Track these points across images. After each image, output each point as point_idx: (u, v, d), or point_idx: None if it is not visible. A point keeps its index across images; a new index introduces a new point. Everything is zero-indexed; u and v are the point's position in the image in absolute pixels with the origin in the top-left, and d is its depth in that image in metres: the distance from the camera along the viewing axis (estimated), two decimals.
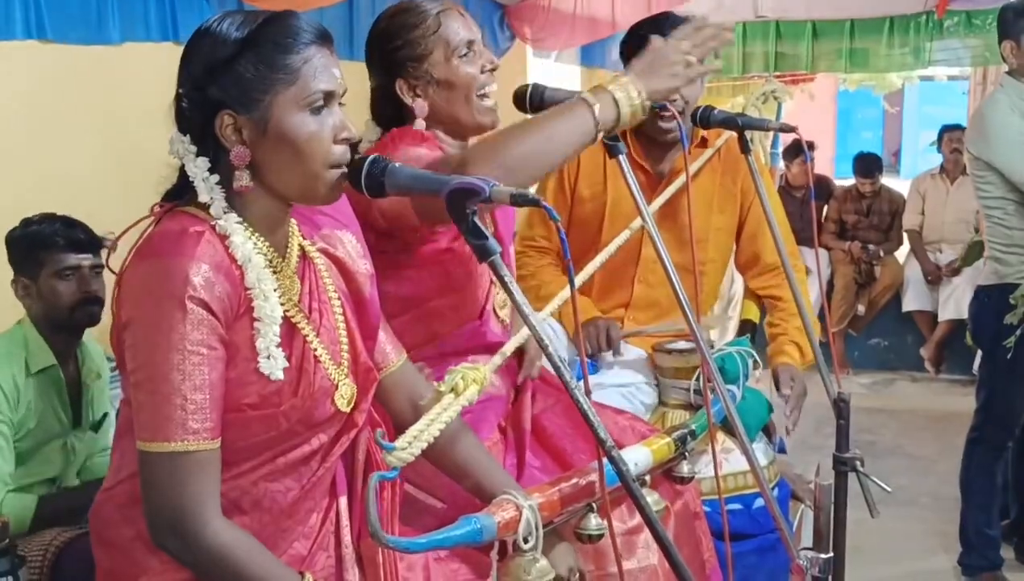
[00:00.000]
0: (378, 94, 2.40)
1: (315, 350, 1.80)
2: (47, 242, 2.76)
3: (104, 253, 2.72)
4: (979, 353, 5.99)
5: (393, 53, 2.33)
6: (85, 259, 2.79)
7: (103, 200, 3.32)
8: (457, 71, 2.31)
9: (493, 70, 2.35)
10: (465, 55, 2.31)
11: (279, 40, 1.71)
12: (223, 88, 1.69)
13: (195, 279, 1.63)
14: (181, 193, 1.77)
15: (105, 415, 2.96)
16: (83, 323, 2.83)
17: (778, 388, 3.16)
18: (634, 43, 3.06)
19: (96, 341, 2.96)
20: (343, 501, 1.92)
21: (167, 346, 1.62)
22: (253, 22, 1.72)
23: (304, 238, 1.89)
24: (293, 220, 1.86)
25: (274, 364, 1.72)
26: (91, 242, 2.80)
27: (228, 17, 1.74)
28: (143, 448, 1.65)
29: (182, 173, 1.76)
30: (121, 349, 1.71)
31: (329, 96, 1.73)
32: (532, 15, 5.92)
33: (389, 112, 2.37)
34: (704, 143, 3.15)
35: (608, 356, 3.09)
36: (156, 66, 3.57)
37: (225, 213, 1.71)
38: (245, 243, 1.71)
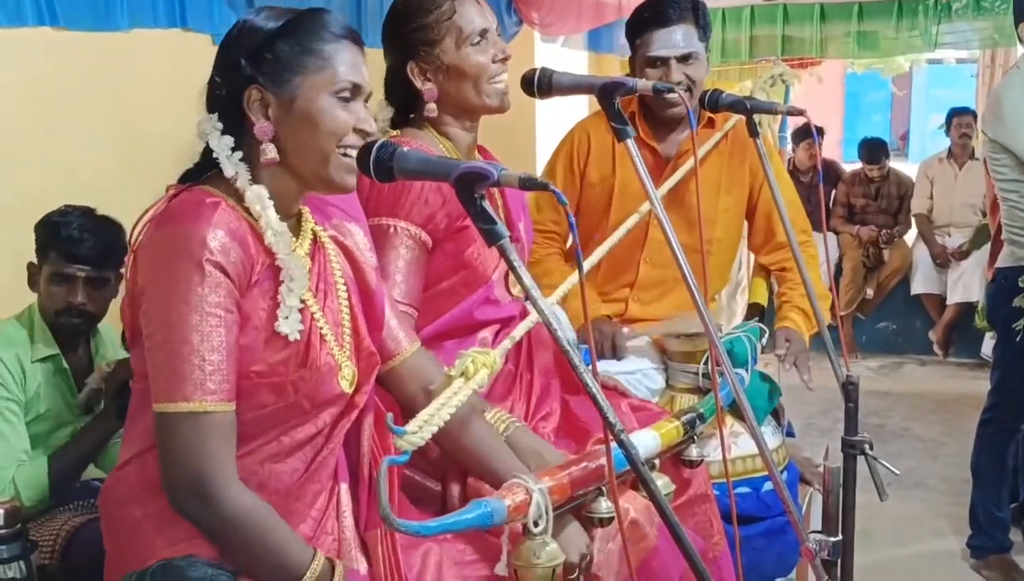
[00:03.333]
0: (391, 75, 2.42)
1: (321, 329, 1.84)
2: (55, 242, 2.73)
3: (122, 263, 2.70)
4: (987, 336, 6.00)
5: (406, 35, 2.34)
6: (81, 270, 2.71)
7: (111, 185, 3.32)
8: (468, 59, 2.32)
9: (505, 60, 2.36)
10: (477, 43, 2.32)
11: (315, 28, 1.80)
12: (257, 63, 1.77)
13: (212, 243, 1.67)
14: (199, 174, 1.83)
15: None
16: (66, 329, 2.78)
17: (775, 350, 3.15)
18: (636, 25, 3.08)
19: (112, 328, 2.95)
20: (344, 487, 1.94)
21: (186, 307, 1.66)
22: (291, 13, 1.81)
23: (317, 224, 1.94)
24: (306, 207, 1.93)
25: (292, 325, 1.76)
26: (98, 256, 2.73)
27: (266, 9, 1.83)
28: (161, 410, 1.68)
29: (204, 154, 1.82)
30: (136, 316, 1.74)
31: (356, 89, 1.81)
32: (539, 0, 5.91)
33: (401, 93, 2.40)
34: (711, 124, 3.15)
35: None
36: (164, 53, 3.59)
37: (251, 184, 1.77)
38: (268, 209, 1.77)
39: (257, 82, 1.77)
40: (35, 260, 2.78)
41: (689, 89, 2.97)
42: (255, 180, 1.79)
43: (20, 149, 3.34)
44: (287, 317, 1.76)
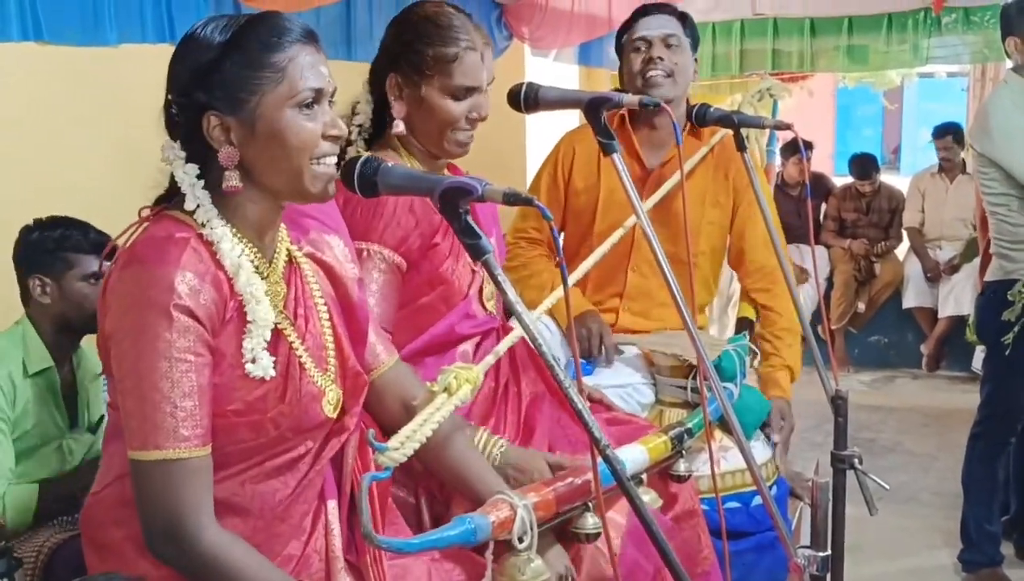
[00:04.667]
0: (378, 68, 2.37)
1: (300, 357, 1.80)
2: (77, 245, 2.79)
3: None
4: (978, 350, 5.99)
5: (403, 50, 2.31)
6: (108, 266, 2.81)
7: (100, 200, 3.30)
8: (444, 106, 2.29)
9: (478, 120, 2.34)
10: (459, 98, 2.29)
11: (264, 39, 1.70)
12: (208, 91, 1.69)
13: (180, 287, 1.62)
14: (171, 198, 1.77)
15: (102, 417, 2.96)
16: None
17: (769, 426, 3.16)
18: (623, 27, 3.12)
19: (93, 346, 2.96)
20: (332, 505, 1.92)
21: (155, 354, 1.62)
22: (237, 24, 1.72)
23: (292, 243, 1.88)
24: (283, 224, 1.86)
25: (262, 366, 1.71)
26: (114, 249, 2.83)
27: (213, 21, 1.73)
28: (135, 457, 1.65)
29: (173, 178, 1.75)
30: (107, 356, 1.71)
31: (319, 93, 1.73)
32: (530, 14, 5.90)
33: (380, 91, 2.36)
34: (697, 135, 3.15)
35: (602, 359, 3.09)
36: (153, 67, 3.54)
37: (212, 219, 1.71)
38: (232, 249, 1.71)
39: (213, 108, 1.69)
40: (39, 278, 2.78)
41: (671, 75, 3.01)
42: (223, 207, 1.73)
43: (7, 163, 3.34)
44: (254, 360, 1.71)
